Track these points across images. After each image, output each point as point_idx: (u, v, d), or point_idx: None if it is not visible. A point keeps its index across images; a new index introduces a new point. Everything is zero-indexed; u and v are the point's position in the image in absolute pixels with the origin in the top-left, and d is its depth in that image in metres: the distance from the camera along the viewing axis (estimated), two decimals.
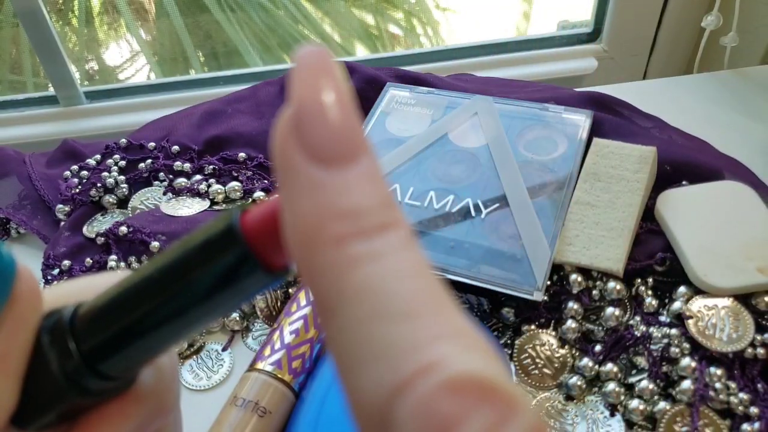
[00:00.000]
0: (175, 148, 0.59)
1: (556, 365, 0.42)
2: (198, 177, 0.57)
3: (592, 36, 0.88)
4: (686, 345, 0.41)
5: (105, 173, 0.57)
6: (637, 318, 0.43)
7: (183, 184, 0.56)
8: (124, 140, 0.60)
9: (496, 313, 0.45)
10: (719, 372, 0.39)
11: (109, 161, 0.59)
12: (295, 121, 0.13)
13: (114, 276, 0.18)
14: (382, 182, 0.13)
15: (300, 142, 0.13)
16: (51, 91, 0.86)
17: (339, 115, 0.13)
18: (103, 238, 0.52)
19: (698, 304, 0.42)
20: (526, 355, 0.43)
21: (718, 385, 0.39)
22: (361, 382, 0.12)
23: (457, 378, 0.11)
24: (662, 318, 0.43)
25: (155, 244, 0.50)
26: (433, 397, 0.11)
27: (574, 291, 0.44)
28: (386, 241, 0.13)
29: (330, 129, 0.13)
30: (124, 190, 0.57)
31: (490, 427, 0.11)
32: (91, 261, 0.51)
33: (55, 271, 0.51)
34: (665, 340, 0.41)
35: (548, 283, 0.44)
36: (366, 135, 0.13)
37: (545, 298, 0.44)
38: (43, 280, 0.51)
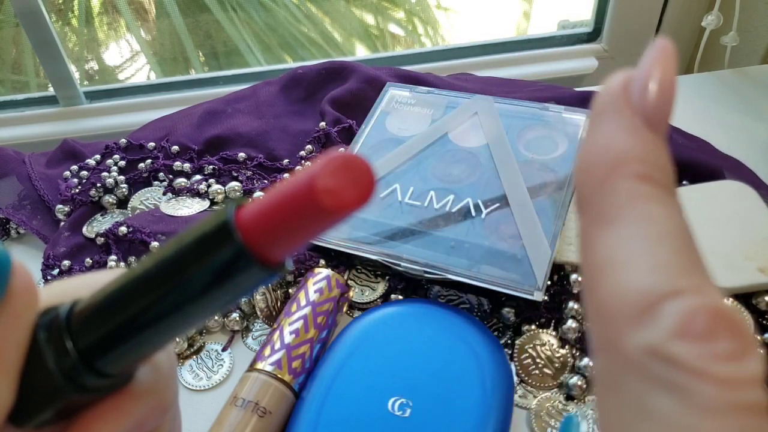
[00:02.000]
0: (175, 148, 0.59)
1: (557, 365, 0.42)
2: (198, 177, 0.57)
3: (592, 36, 0.88)
4: None
5: (105, 173, 0.57)
6: None
7: (183, 184, 0.56)
8: (123, 140, 0.60)
9: (497, 313, 0.45)
10: None
11: (109, 161, 0.59)
12: (631, 82, 0.17)
13: (110, 273, 0.18)
14: (667, 155, 0.16)
15: (629, 98, 0.16)
16: (51, 91, 0.86)
17: (663, 95, 0.17)
18: (102, 238, 0.52)
19: None
20: (527, 355, 0.43)
21: None
22: (632, 281, 0.14)
23: (719, 307, 0.14)
24: None
25: (155, 244, 0.50)
26: (698, 310, 0.14)
27: (575, 291, 0.44)
28: (673, 199, 0.16)
29: (655, 101, 0.16)
30: (124, 190, 0.57)
31: (734, 353, 0.13)
32: (91, 261, 0.51)
33: (55, 271, 0.50)
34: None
35: (549, 282, 0.44)
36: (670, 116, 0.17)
37: (545, 297, 0.44)
38: (43, 280, 0.51)
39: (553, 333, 0.43)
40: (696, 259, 0.15)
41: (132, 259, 0.51)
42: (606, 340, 0.15)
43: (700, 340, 0.13)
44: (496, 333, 0.45)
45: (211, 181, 0.57)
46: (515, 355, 0.43)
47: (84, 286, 0.18)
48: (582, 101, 0.58)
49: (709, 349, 0.13)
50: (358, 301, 0.47)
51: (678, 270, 0.15)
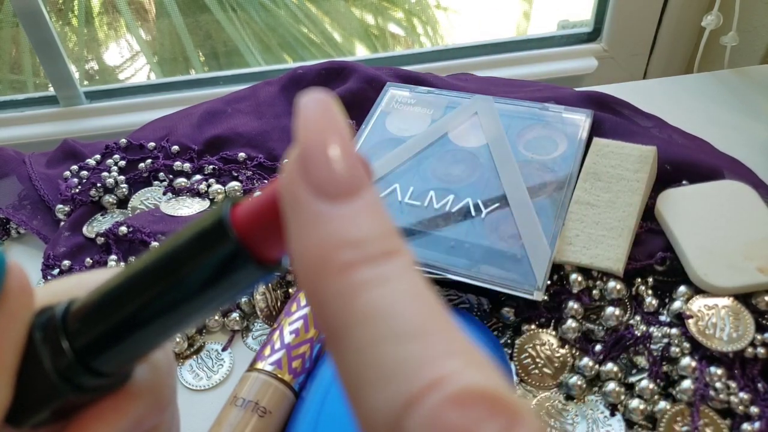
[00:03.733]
0: (175, 148, 0.59)
1: (557, 365, 0.42)
2: (198, 177, 0.57)
3: (592, 36, 0.88)
4: (686, 344, 0.41)
5: (105, 173, 0.57)
6: (638, 318, 0.43)
7: (183, 184, 0.56)
8: (124, 140, 0.60)
9: (496, 312, 0.45)
10: (719, 371, 0.39)
11: (109, 161, 0.59)
12: (301, 161, 0.14)
13: (106, 272, 0.18)
14: (384, 213, 0.14)
15: (306, 181, 0.14)
16: (51, 91, 0.86)
17: (341, 156, 0.14)
18: (103, 238, 0.52)
19: (698, 303, 0.42)
20: (527, 354, 0.43)
21: (718, 385, 0.39)
22: (371, 402, 0.13)
23: (465, 391, 0.12)
24: (662, 318, 0.43)
25: (155, 244, 0.50)
26: (442, 410, 0.12)
27: (574, 291, 0.44)
28: (391, 267, 0.14)
29: (333, 168, 0.14)
30: (124, 190, 0.57)
31: None
32: (91, 261, 0.51)
33: (55, 271, 0.51)
34: (665, 340, 0.41)
35: (548, 282, 0.44)
36: (367, 170, 0.15)
37: (545, 297, 0.44)
38: (43, 280, 0.51)
39: (553, 333, 0.44)
40: (435, 333, 0.13)
41: (132, 259, 0.51)
42: None
43: None
44: (495, 333, 0.45)
45: (211, 181, 0.57)
46: (515, 354, 0.43)
47: (80, 285, 0.18)
48: (582, 101, 0.58)
49: None
50: None
51: (413, 366, 0.12)
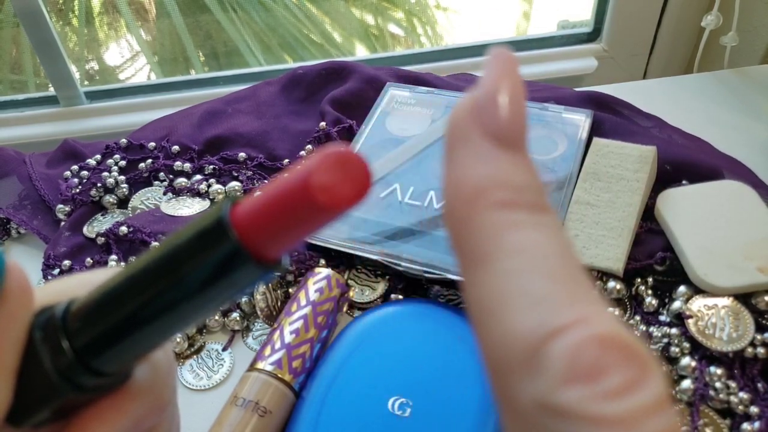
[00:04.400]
0: (175, 148, 0.59)
1: None
2: (198, 177, 0.57)
3: (592, 36, 0.88)
4: (686, 344, 0.41)
5: (105, 173, 0.57)
6: (637, 317, 0.43)
7: (183, 184, 0.56)
8: (124, 140, 0.60)
9: None
10: (719, 371, 0.39)
11: (110, 161, 0.59)
12: (477, 103, 0.15)
13: (106, 272, 0.18)
14: (538, 173, 0.15)
15: (479, 121, 0.15)
16: (51, 91, 0.86)
17: (513, 110, 0.15)
18: (103, 238, 0.52)
19: (698, 303, 0.42)
20: None
21: (718, 385, 0.39)
22: (514, 325, 0.13)
23: (607, 334, 0.13)
24: (662, 317, 0.43)
25: (155, 244, 0.50)
26: (585, 345, 0.13)
27: None
28: (545, 218, 0.15)
29: (506, 118, 0.15)
30: (124, 190, 0.57)
31: (628, 384, 0.12)
32: (91, 261, 0.51)
33: (56, 271, 0.51)
34: (665, 340, 0.41)
35: None
36: (527, 132, 0.16)
37: None
38: (44, 280, 0.51)
39: None
40: (578, 283, 0.14)
41: (132, 259, 0.51)
42: (500, 396, 0.14)
43: (588, 380, 0.12)
44: None
45: (212, 181, 0.57)
46: None
47: (80, 285, 0.18)
48: (582, 101, 0.58)
49: (600, 387, 0.12)
50: (358, 301, 0.47)
51: (559, 302, 0.13)
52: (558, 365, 0.12)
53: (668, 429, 0.12)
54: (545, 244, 0.14)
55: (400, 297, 0.46)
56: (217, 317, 0.47)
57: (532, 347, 0.13)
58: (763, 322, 0.41)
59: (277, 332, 0.42)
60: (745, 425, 0.37)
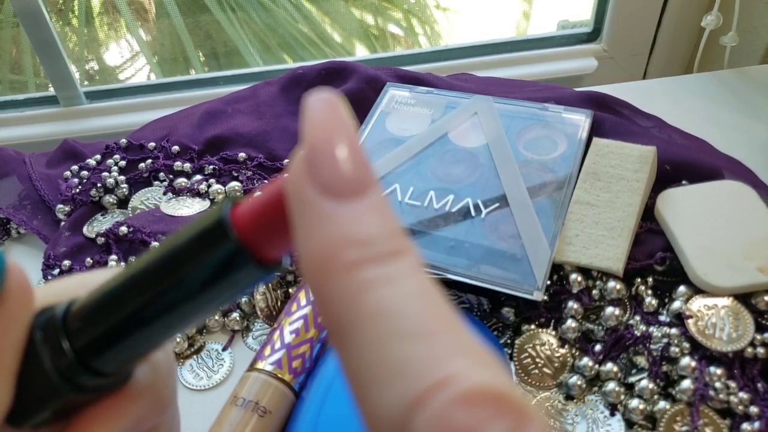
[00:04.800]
0: (175, 148, 0.59)
1: (556, 365, 0.42)
2: (198, 177, 0.57)
3: (592, 36, 0.88)
4: (686, 344, 0.41)
5: (105, 173, 0.57)
6: (637, 317, 0.43)
7: (183, 184, 0.56)
8: (124, 140, 0.60)
9: (496, 312, 0.45)
10: (719, 371, 0.39)
11: (109, 161, 0.59)
12: (308, 160, 0.14)
13: (106, 273, 0.18)
14: (390, 213, 0.14)
15: (313, 180, 0.14)
16: (51, 91, 0.86)
17: (348, 156, 0.14)
18: (103, 238, 0.52)
19: (698, 303, 0.42)
20: (526, 354, 0.43)
21: (718, 385, 0.39)
22: (378, 400, 0.12)
23: (472, 390, 0.12)
24: (662, 317, 0.43)
25: (155, 244, 0.50)
26: (449, 409, 0.12)
27: (574, 290, 0.44)
28: (397, 267, 0.13)
29: (341, 168, 0.14)
30: (124, 190, 0.57)
31: None
32: (91, 261, 0.51)
33: (56, 271, 0.51)
34: (665, 340, 0.41)
35: (548, 282, 0.44)
36: (373, 171, 0.15)
37: (545, 297, 0.44)
38: (44, 280, 0.51)
39: (553, 333, 0.44)
40: (443, 333, 0.13)
41: (132, 259, 0.51)
42: None
43: None
44: (495, 333, 0.45)
45: (212, 181, 0.57)
46: (515, 354, 0.43)
47: (80, 285, 0.18)
48: (582, 101, 0.58)
49: None
50: None
51: (420, 365, 0.12)
52: None
53: None
54: (400, 298, 0.13)
55: None
56: (217, 317, 0.47)
57: (398, 425, 0.12)
58: (763, 322, 0.41)
59: (277, 332, 0.42)
60: (745, 425, 0.37)
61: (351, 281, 0.13)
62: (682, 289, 0.43)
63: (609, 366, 0.41)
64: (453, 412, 0.12)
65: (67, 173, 0.58)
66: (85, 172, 0.57)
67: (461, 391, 0.12)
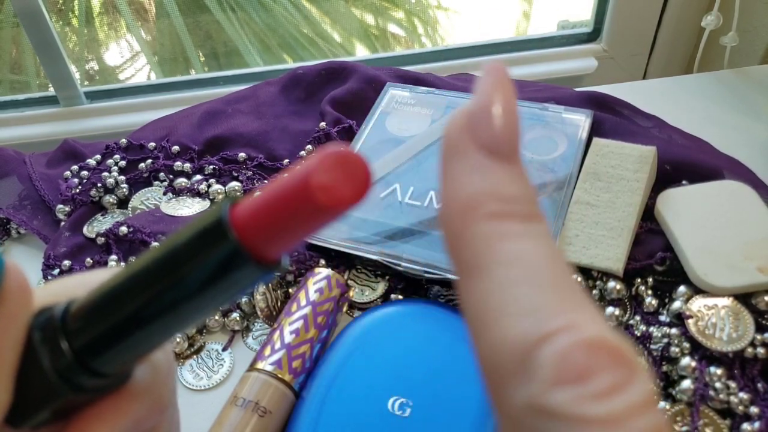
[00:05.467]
0: (175, 148, 0.59)
1: None
2: (198, 177, 0.57)
3: (592, 36, 0.88)
4: (686, 344, 0.41)
5: (105, 173, 0.57)
6: (637, 318, 0.43)
7: (183, 184, 0.56)
8: (124, 140, 0.60)
9: None
10: (719, 371, 0.39)
11: (110, 161, 0.59)
12: (472, 116, 0.16)
13: (106, 273, 0.18)
14: (530, 182, 0.16)
15: (473, 134, 0.16)
16: (51, 91, 0.86)
17: (508, 123, 0.16)
18: (103, 238, 0.52)
19: (698, 303, 0.42)
20: None
21: (718, 385, 0.39)
22: (505, 331, 0.14)
23: (595, 339, 0.13)
24: (662, 317, 0.43)
25: (155, 244, 0.50)
26: (573, 349, 0.13)
27: None
28: (535, 227, 0.15)
29: (501, 131, 0.16)
30: (124, 190, 0.57)
31: (616, 385, 0.13)
32: (91, 261, 0.51)
33: (56, 271, 0.51)
34: (665, 340, 0.41)
35: None
36: (520, 143, 0.16)
37: None
38: (44, 280, 0.51)
39: None
40: (568, 290, 0.14)
41: (132, 259, 0.51)
42: (495, 400, 0.14)
43: (577, 382, 0.13)
44: None
45: (212, 181, 0.57)
46: None
47: (80, 285, 0.18)
48: (582, 101, 0.58)
49: (588, 389, 0.13)
50: (358, 301, 0.47)
51: (549, 309, 0.14)
52: (547, 369, 0.13)
53: (655, 427, 0.13)
54: (536, 253, 0.15)
55: (400, 297, 0.46)
56: (217, 317, 0.47)
57: (523, 353, 0.13)
58: (763, 322, 0.41)
59: (277, 332, 0.42)
60: (745, 425, 0.37)
61: (494, 228, 0.15)
62: (682, 289, 0.43)
63: None
64: (576, 353, 0.13)
65: (67, 173, 0.58)
66: (85, 172, 0.57)
67: (585, 337, 0.13)
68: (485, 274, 0.15)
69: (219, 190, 0.56)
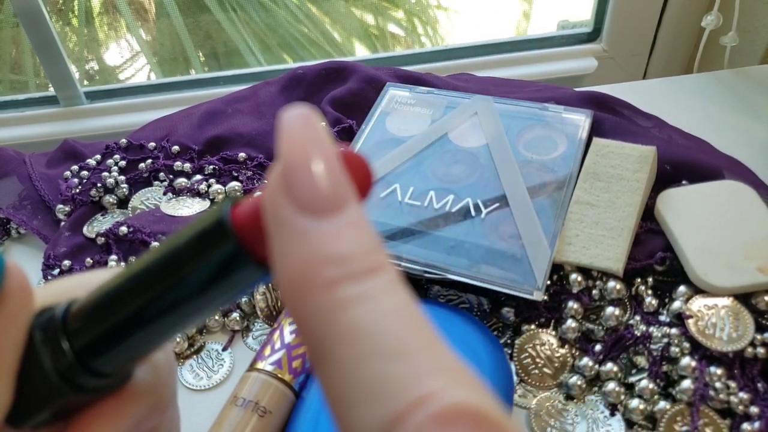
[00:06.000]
0: (175, 148, 0.59)
1: (556, 365, 0.42)
2: (198, 177, 0.57)
3: (592, 36, 0.88)
4: (686, 344, 0.41)
5: (105, 173, 0.57)
6: (637, 317, 0.43)
7: (183, 184, 0.56)
8: (124, 140, 0.60)
9: (496, 312, 0.45)
10: (719, 371, 0.39)
11: (110, 161, 0.59)
12: (284, 178, 0.14)
13: (106, 273, 0.18)
14: (368, 228, 0.14)
15: (289, 196, 0.14)
16: (51, 91, 0.86)
17: (325, 172, 0.14)
18: (103, 238, 0.52)
19: (698, 303, 0.42)
20: (526, 354, 0.43)
21: (718, 385, 0.39)
22: (356, 420, 0.12)
23: (449, 409, 0.12)
24: (662, 317, 0.43)
25: (155, 244, 0.50)
26: (427, 429, 0.12)
27: (574, 290, 0.44)
28: (375, 284, 0.13)
29: (317, 184, 0.14)
30: (124, 190, 0.57)
31: None
32: (91, 261, 0.51)
33: (56, 271, 0.51)
34: (665, 340, 0.41)
35: (548, 282, 0.44)
36: (350, 187, 0.14)
37: (545, 297, 0.44)
38: (44, 280, 0.51)
39: (553, 333, 0.44)
40: (422, 349, 0.13)
41: (132, 259, 0.51)
42: None
43: None
44: (495, 333, 0.45)
45: (212, 181, 0.57)
46: (515, 354, 0.43)
47: (80, 285, 0.18)
48: (582, 101, 0.58)
49: None
50: None
51: (399, 383, 0.12)
52: None
53: None
54: (377, 318, 0.13)
55: None
56: (217, 317, 0.47)
57: None
58: (763, 322, 0.41)
59: (277, 332, 0.42)
60: (745, 425, 0.37)
61: (328, 300, 0.13)
62: (682, 289, 0.43)
63: (609, 366, 0.41)
64: (431, 429, 0.12)
65: (67, 173, 0.58)
66: (85, 172, 0.57)
67: (439, 409, 0.12)
68: (329, 357, 0.13)
69: (219, 190, 0.56)
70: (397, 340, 0.13)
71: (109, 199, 0.56)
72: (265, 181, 0.15)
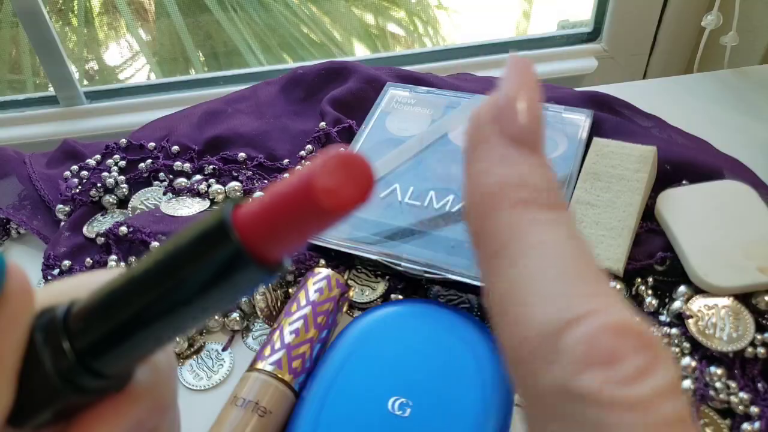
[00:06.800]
0: (175, 148, 0.59)
1: None
2: (198, 177, 0.57)
3: (592, 36, 0.88)
4: (686, 344, 0.41)
5: (105, 173, 0.57)
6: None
7: (183, 184, 0.56)
8: (124, 140, 0.60)
9: None
10: (719, 371, 0.39)
11: (109, 161, 0.59)
12: (499, 108, 0.17)
13: (108, 273, 0.18)
14: (554, 174, 0.17)
15: (500, 126, 0.16)
16: (51, 91, 0.86)
17: (533, 115, 0.17)
18: (103, 238, 0.52)
19: (698, 303, 0.42)
20: None
21: (718, 385, 0.39)
22: (534, 315, 0.14)
23: (621, 323, 0.14)
24: (662, 317, 0.43)
25: (155, 244, 0.50)
26: (600, 333, 0.13)
27: None
28: (562, 215, 0.16)
29: (526, 123, 0.16)
30: (124, 190, 0.57)
31: (642, 369, 0.13)
32: (91, 261, 0.51)
33: (56, 271, 0.51)
34: (665, 340, 0.41)
35: None
36: (544, 137, 0.17)
37: None
38: (44, 280, 0.51)
39: None
40: (593, 277, 0.15)
41: (132, 259, 0.51)
42: (521, 383, 0.15)
43: (604, 366, 0.13)
44: None
45: (212, 181, 0.57)
46: None
47: (81, 286, 0.18)
48: (582, 101, 0.58)
49: (615, 372, 0.13)
50: (358, 301, 0.47)
51: (575, 295, 0.14)
52: (576, 352, 0.13)
53: (680, 413, 0.13)
54: (562, 241, 0.15)
55: (400, 297, 0.46)
56: (217, 317, 0.47)
57: (551, 336, 0.14)
58: (763, 322, 0.41)
59: (277, 332, 0.42)
60: (745, 425, 0.37)
61: (522, 216, 0.15)
62: (682, 289, 0.43)
63: None
64: (603, 336, 0.13)
65: (67, 173, 0.58)
66: (85, 172, 0.57)
67: (611, 321, 0.14)
68: (513, 261, 0.15)
69: (219, 190, 0.56)
70: (577, 262, 0.15)
71: (109, 199, 0.56)
72: (475, 104, 0.18)
